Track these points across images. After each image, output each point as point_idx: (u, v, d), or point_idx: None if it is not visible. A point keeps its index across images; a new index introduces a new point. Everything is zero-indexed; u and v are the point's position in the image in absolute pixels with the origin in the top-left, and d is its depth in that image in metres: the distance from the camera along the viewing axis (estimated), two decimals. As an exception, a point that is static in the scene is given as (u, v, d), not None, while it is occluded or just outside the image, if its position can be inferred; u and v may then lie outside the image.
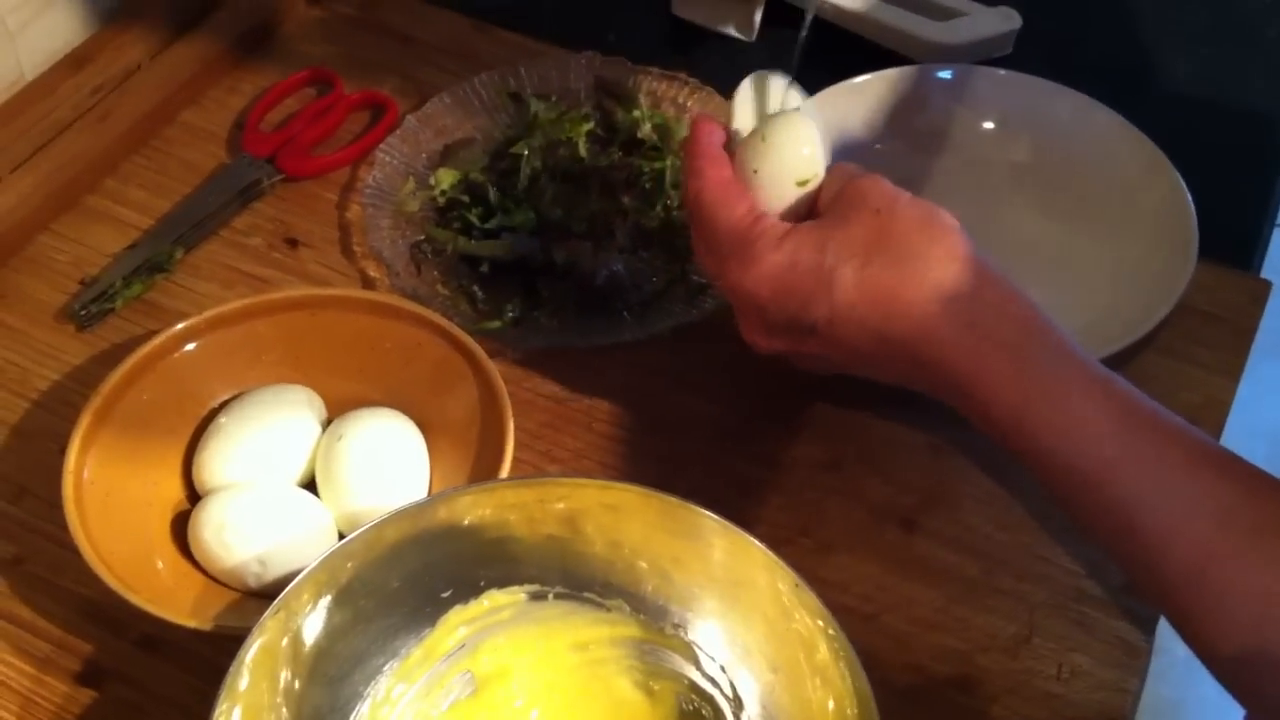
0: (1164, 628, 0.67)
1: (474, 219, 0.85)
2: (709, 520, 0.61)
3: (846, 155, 0.89)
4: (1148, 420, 0.62)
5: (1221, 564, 0.58)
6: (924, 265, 0.65)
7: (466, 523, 0.62)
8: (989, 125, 0.91)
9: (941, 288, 0.64)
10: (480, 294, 0.83)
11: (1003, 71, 0.92)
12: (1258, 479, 0.61)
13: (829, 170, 0.71)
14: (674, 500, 0.62)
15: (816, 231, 0.67)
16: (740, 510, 0.74)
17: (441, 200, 0.87)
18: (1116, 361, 0.78)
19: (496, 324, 0.80)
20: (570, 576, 0.64)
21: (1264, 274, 0.88)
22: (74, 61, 0.91)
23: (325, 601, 0.60)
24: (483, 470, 0.71)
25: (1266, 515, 0.59)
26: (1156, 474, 0.60)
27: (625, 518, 0.62)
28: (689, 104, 0.92)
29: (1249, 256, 0.89)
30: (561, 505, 0.62)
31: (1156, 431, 0.62)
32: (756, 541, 0.61)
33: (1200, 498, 0.60)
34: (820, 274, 0.66)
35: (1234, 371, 0.81)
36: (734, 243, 0.68)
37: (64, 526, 0.66)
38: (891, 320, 0.65)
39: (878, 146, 0.91)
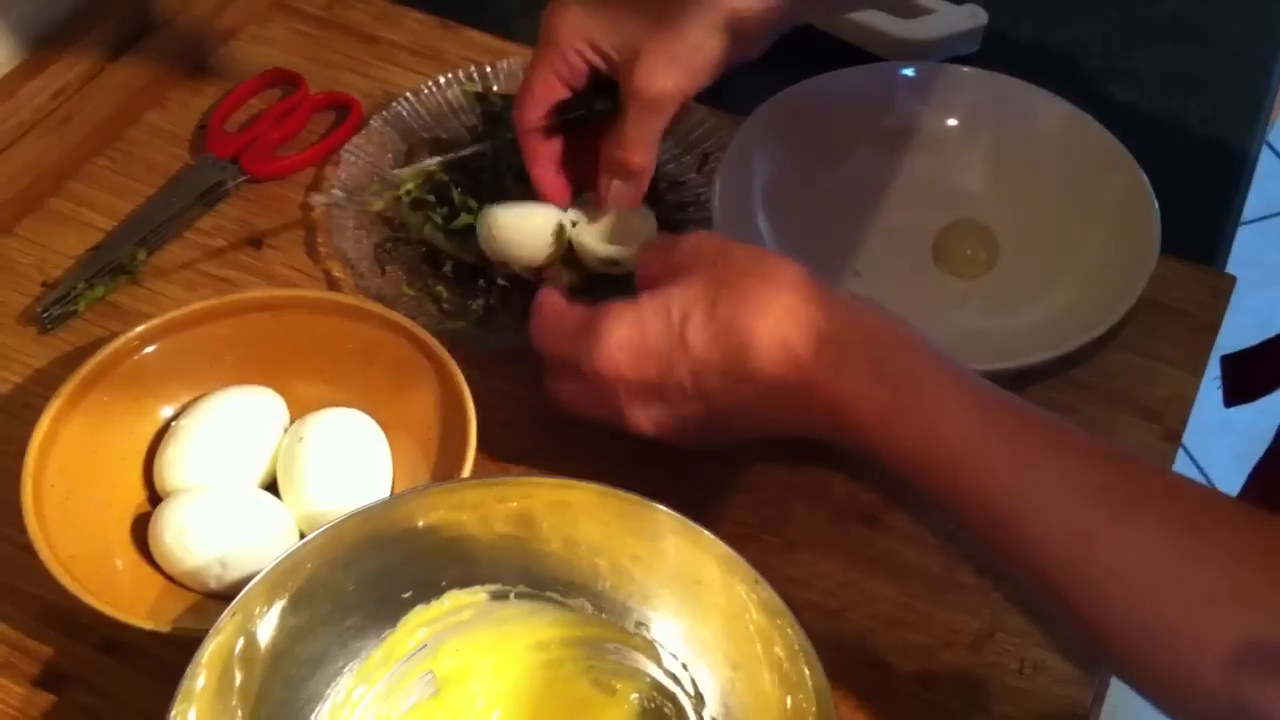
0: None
1: (438, 219, 0.85)
2: (667, 518, 0.61)
3: (811, 152, 0.90)
4: (1008, 410, 0.62)
5: (1102, 541, 0.58)
6: (768, 293, 0.65)
7: (421, 524, 0.62)
8: (953, 122, 0.91)
9: (791, 309, 0.64)
10: (444, 294, 0.82)
11: (966, 69, 0.92)
12: (1125, 457, 0.61)
13: (647, 247, 0.74)
14: (632, 498, 0.62)
15: (657, 296, 0.67)
16: (704, 509, 0.74)
17: (407, 200, 0.87)
18: (1079, 357, 0.79)
19: (461, 324, 0.80)
20: (531, 576, 0.64)
21: (1231, 270, 0.88)
22: (35, 64, 0.91)
23: (282, 603, 0.60)
24: (445, 470, 0.71)
25: (1139, 487, 0.59)
26: (1025, 461, 0.60)
27: (581, 516, 0.62)
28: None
29: (1213, 252, 0.89)
30: (514, 504, 0.62)
31: (1019, 421, 0.62)
32: (715, 539, 0.61)
33: (1072, 478, 0.59)
34: (671, 333, 0.66)
35: (1198, 367, 0.81)
36: (581, 336, 0.68)
37: (23, 530, 0.66)
38: (750, 355, 0.64)
39: (843, 143, 0.91)
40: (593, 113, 0.79)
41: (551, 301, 0.72)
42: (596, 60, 0.77)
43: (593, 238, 0.80)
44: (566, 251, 0.81)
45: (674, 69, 0.74)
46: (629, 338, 0.67)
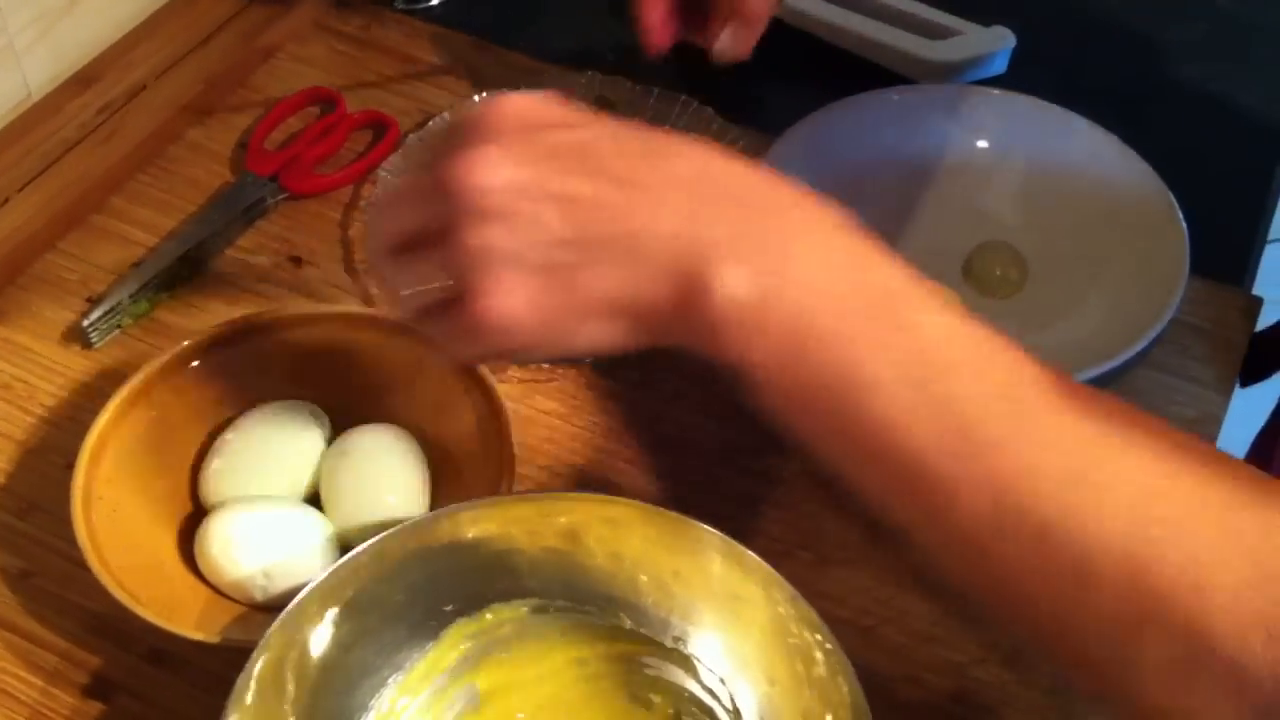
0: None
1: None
2: (708, 534, 0.63)
3: (841, 173, 0.90)
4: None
5: (1098, 461, 0.51)
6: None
7: (469, 537, 0.63)
8: (983, 144, 0.92)
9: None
10: (482, 311, 0.83)
11: (997, 91, 0.93)
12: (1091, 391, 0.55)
13: None
14: (673, 515, 0.63)
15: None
16: (740, 525, 0.75)
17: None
18: (1109, 378, 0.79)
19: (498, 341, 0.81)
20: (572, 590, 0.65)
21: (1257, 291, 0.89)
22: (81, 81, 0.93)
23: (331, 615, 0.61)
24: (485, 486, 0.72)
25: (1122, 415, 0.53)
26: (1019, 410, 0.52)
27: (625, 532, 0.64)
28: (689, 124, 0.93)
29: (1241, 272, 0.90)
30: (563, 519, 0.63)
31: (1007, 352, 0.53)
32: (754, 555, 0.62)
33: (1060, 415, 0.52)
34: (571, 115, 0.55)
35: (1226, 386, 0.82)
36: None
37: (72, 541, 0.67)
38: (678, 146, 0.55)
39: (872, 164, 0.92)
40: None
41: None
42: None
43: None
44: None
45: None
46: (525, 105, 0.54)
